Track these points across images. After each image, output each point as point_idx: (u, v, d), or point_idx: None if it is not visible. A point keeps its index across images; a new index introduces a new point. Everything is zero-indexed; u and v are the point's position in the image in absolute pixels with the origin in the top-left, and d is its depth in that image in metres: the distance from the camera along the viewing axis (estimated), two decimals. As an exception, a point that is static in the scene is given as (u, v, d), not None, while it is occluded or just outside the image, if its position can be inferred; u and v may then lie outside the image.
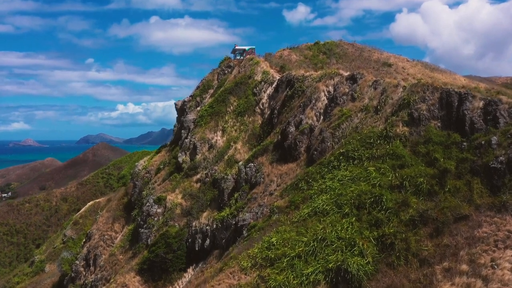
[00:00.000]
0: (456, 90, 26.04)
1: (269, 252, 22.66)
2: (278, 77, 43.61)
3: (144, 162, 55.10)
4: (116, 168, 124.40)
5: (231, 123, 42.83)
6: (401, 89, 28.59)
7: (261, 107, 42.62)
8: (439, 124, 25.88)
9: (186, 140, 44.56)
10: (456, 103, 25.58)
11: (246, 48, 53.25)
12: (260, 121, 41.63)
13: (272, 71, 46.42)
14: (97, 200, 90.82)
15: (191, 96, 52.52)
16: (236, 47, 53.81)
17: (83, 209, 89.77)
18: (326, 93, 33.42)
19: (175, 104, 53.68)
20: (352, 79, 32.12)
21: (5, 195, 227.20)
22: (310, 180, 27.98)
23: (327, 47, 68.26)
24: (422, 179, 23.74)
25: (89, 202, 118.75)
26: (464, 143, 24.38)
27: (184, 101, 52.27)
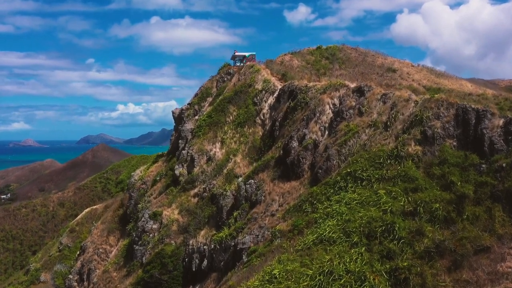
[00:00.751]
0: (473, 106, 24.08)
1: (270, 286, 20.70)
2: (279, 86, 41.61)
3: (141, 172, 53.17)
4: (114, 172, 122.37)
5: (231, 134, 40.85)
6: (412, 104, 26.61)
7: (262, 117, 40.62)
8: (455, 144, 23.92)
9: (184, 152, 42.61)
10: (474, 121, 23.63)
11: (246, 54, 51.21)
12: (260, 133, 39.64)
13: (273, 79, 44.40)
14: (94, 207, 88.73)
15: (189, 104, 50.55)
16: (236, 53, 51.78)
17: (79, 216, 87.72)
18: (331, 105, 31.42)
19: (173, 113, 51.73)
20: (359, 91, 30.12)
21: (4, 196, 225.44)
22: (315, 202, 26.03)
23: (329, 52, 66.31)
24: (437, 205, 21.79)
25: (86, 207, 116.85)
26: (483, 165, 22.43)
27: (182, 109, 50.31)
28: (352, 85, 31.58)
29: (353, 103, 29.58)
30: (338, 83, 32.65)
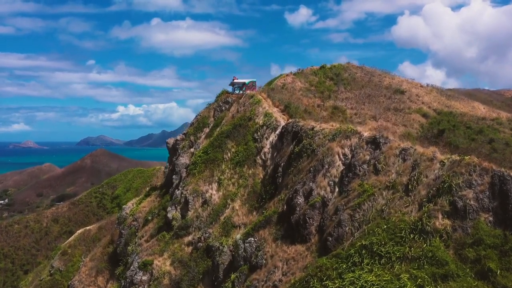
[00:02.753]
0: (512, 174, 20.48)
1: None
2: (282, 121, 37.96)
3: (132, 205, 49.65)
4: (110, 187, 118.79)
5: (228, 174, 37.24)
6: (438, 165, 22.99)
7: (263, 157, 36.98)
8: (491, 219, 20.32)
9: (177, 192, 39.00)
10: (513, 193, 20.03)
11: (246, 81, 47.62)
12: (261, 175, 36.00)
13: (275, 110, 40.78)
14: (87, 228, 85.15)
15: (184, 133, 46.99)
16: (235, 80, 48.15)
17: (72, 238, 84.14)
18: (341, 156, 27.81)
19: (167, 143, 48.18)
20: (374, 143, 26.48)
21: (2, 202, 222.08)
22: (325, 278, 22.36)
23: (334, 72, 62.87)
24: (474, 300, 18.25)
25: (81, 223, 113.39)
26: (527, 250, 18.87)
27: (177, 140, 46.73)
28: (366, 133, 27.92)
29: (367, 157, 25.95)
30: (349, 129, 29.00)
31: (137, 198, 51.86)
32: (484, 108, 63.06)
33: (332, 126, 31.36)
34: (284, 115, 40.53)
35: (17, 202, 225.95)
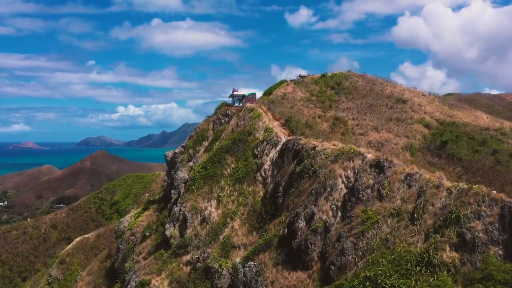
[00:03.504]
0: (523, 206, 19.64)
1: None
2: (283, 137, 37.13)
3: (130, 219, 48.89)
4: (109, 192, 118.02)
5: (228, 191, 36.40)
6: (444, 193, 22.16)
7: (263, 174, 36.15)
8: (501, 252, 19.49)
9: (176, 209, 38.17)
10: (524, 226, 19.23)
11: (246, 93, 46.85)
12: (261, 193, 35.17)
13: (276, 125, 39.96)
14: (85, 236, 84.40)
15: (182, 146, 46.19)
16: (235, 92, 47.36)
17: (70, 246, 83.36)
18: (344, 179, 26.99)
19: (165, 156, 47.41)
20: (378, 167, 25.67)
21: (1, 203, 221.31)
22: (327, 311, 21.62)
23: (335, 80, 62.10)
24: None
25: (80, 229, 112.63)
26: (540, 288, 18.07)
27: (175, 153, 45.92)
28: (369, 155, 27.10)
29: (371, 182, 25.14)
30: (352, 150, 28.18)
31: (135, 211, 51.07)
32: (487, 118, 62.22)
33: (334, 145, 30.55)
34: (284, 129, 39.76)
35: (16, 204, 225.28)
